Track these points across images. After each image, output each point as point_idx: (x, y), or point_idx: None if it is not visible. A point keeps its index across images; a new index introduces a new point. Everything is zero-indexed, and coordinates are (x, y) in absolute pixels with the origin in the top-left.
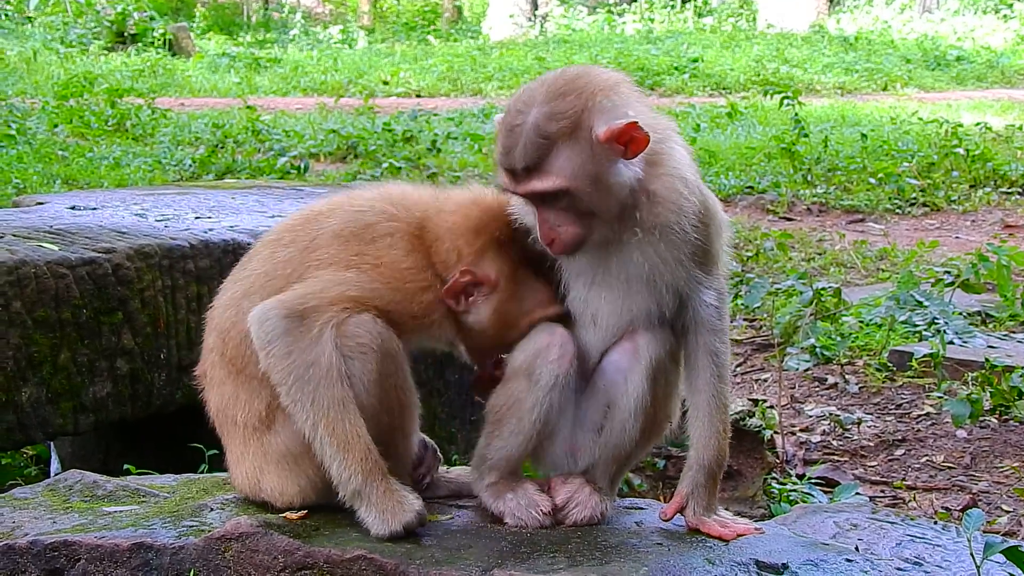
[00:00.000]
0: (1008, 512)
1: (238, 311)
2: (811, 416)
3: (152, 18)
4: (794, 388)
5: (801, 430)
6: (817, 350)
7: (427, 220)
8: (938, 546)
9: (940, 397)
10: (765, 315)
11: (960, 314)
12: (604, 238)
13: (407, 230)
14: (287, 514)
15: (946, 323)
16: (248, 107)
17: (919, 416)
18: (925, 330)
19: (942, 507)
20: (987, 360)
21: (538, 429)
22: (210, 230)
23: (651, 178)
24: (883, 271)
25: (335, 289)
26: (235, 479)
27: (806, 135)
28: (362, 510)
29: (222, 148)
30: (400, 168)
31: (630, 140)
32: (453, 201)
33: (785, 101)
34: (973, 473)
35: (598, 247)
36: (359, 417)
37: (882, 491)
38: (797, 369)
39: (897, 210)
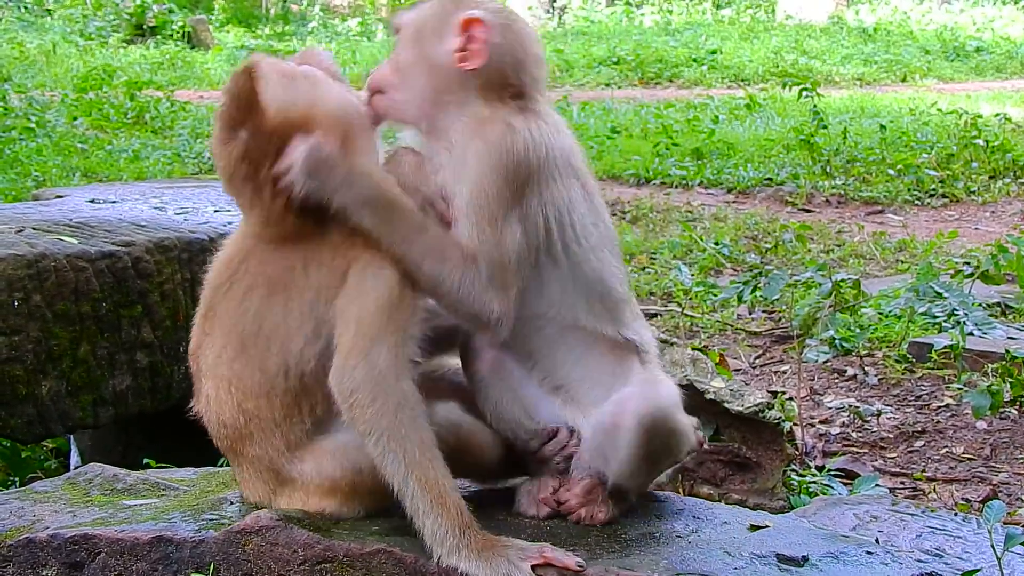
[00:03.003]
0: None
1: (231, 386)
2: (830, 408)
3: (171, 11)
4: (813, 380)
5: (820, 422)
6: (836, 342)
7: None
8: (959, 538)
9: (960, 388)
10: (784, 307)
11: (980, 305)
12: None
13: None
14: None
15: (966, 314)
16: None
17: (939, 407)
18: (945, 321)
19: (962, 498)
20: (1007, 351)
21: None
22: (229, 223)
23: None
24: (902, 262)
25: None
26: (246, 495)
27: (825, 127)
28: (463, 563)
29: None
30: None
31: (469, 45)
32: None
33: (804, 93)
34: (993, 464)
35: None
36: (444, 463)
37: (902, 483)
38: (816, 361)
39: (916, 201)
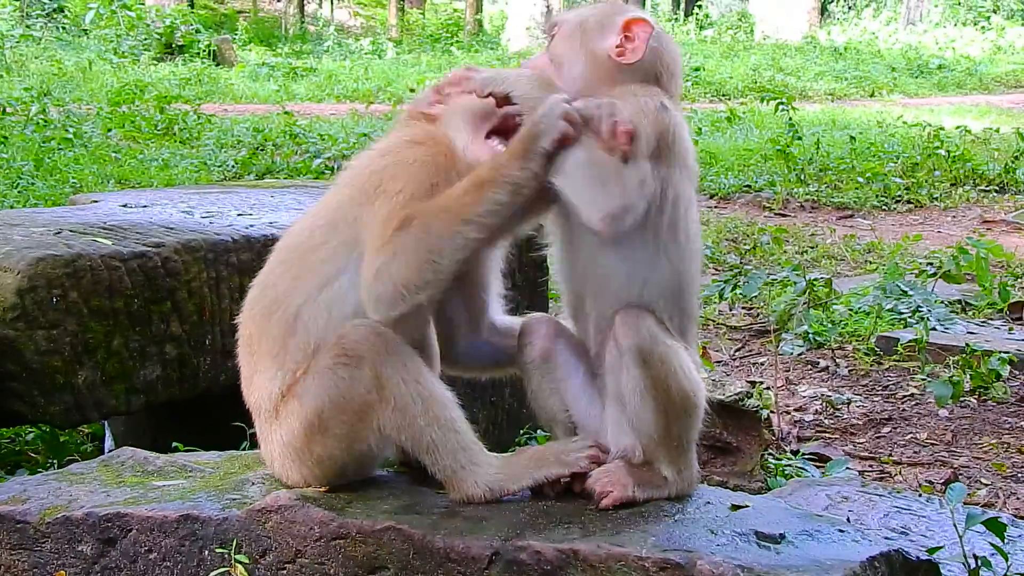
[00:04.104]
0: (987, 485)
1: (262, 296)
2: (804, 397)
3: (198, 31)
4: (789, 371)
5: (795, 410)
6: (810, 336)
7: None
8: (923, 517)
9: (924, 379)
10: (762, 304)
11: (942, 302)
12: None
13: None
14: None
15: (929, 311)
16: (286, 113)
17: (904, 397)
18: (910, 317)
19: (926, 481)
20: (967, 345)
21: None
22: (251, 226)
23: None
24: (871, 263)
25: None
26: (262, 455)
27: (799, 138)
28: None
29: (262, 151)
30: None
31: (628, 43)
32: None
33: (780, 107)
34: (954, 449)
35: None
36: None
37: (870, 466)
38: (792, 353)
39: (883, 207)
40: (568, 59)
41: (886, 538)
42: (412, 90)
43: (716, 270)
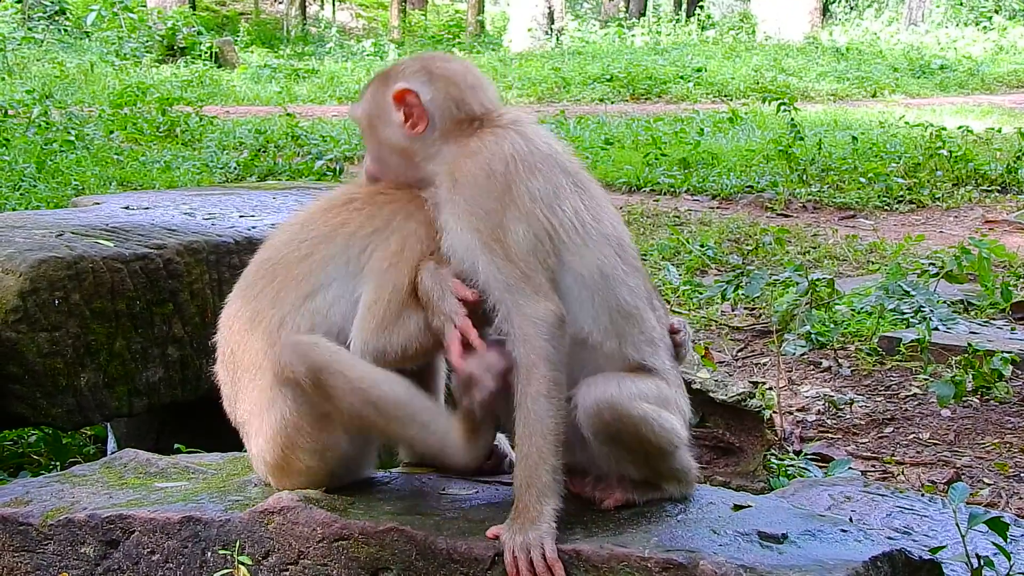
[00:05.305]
0: (989, 485)
1: (242, 318)
2: (807, 397)
3: (200, 33)
4: (791, 371)
5: (798, 410)
6: (812, 336)
7: None
8: (925, 516)
9: (926, 379)
10: (764, 304)
11: (944, 303)
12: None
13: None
14: None
15: (931, 311)
16: (288, 114)
17: (907, 397)
18: (912, 317)
19: (928, 480)
20: (969, 345)
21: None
22: (253, 227)
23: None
24: (873, 263)
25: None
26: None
27: (801, 138)
28: None
29: (264, 152)
30: None
31: (410, 113)
32: None
33: (782, 107)
34: (957, 449)
35: None
36: None
37: (873, 466)
38: (794, 354)
39: (885, 207)
40: (383, 158)
41: (889, 538)
42: None
43: (719, 270)
